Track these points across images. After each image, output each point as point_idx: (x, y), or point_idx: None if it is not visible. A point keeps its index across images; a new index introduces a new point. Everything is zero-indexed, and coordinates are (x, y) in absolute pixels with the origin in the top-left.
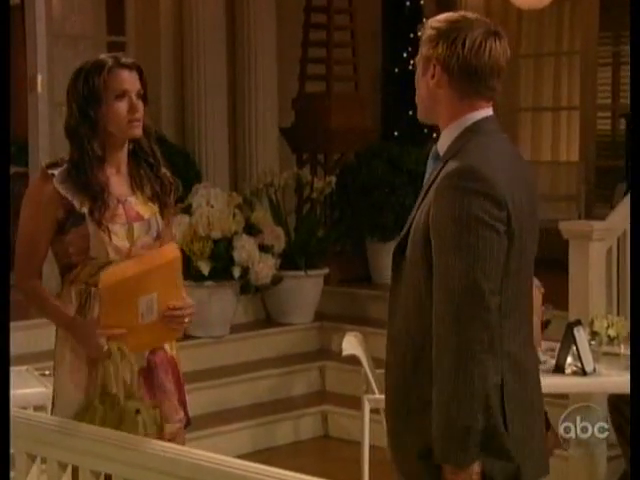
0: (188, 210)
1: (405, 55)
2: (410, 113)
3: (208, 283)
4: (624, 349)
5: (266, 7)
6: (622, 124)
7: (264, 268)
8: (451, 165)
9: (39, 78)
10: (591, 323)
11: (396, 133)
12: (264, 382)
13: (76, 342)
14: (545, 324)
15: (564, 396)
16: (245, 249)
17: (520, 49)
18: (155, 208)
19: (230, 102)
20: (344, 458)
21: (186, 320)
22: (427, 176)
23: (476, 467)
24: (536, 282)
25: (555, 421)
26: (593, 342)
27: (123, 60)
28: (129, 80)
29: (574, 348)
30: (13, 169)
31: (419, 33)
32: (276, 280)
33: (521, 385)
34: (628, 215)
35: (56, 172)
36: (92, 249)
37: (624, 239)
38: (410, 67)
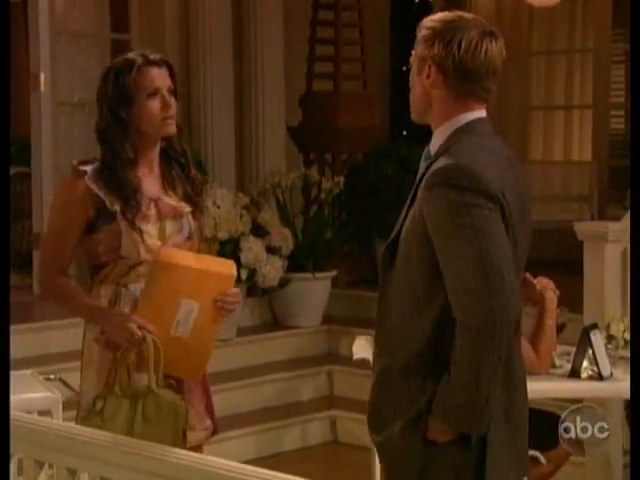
0: None
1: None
2: None
3: None
4: None
5: (273, 4)
6: None
7: (271, 270)
8: (439, 163)
9: (42, 76)
10: (608, 326)
11: (404, 132)
12: (271, 386)
13: (108, 332)
14: (560, 327)
15: (579, 401)
16: (252, 251)
17: (532, 46)
18: (188, 208)
19: (236, 101)
20: (353, 464)
21: (234, 307)
22: (418, 176)
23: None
24: (551, 284)
25: None
26: (610, 346)
27: (152, 57)
28: (160, 77)
29: (590, 352)
30: (15, 169)
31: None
32: (283, 282)
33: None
34: None
35: (88, 169)
36: (123, 249)
37: None
38: None
